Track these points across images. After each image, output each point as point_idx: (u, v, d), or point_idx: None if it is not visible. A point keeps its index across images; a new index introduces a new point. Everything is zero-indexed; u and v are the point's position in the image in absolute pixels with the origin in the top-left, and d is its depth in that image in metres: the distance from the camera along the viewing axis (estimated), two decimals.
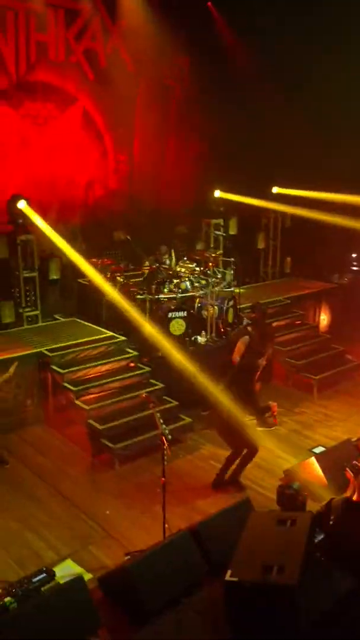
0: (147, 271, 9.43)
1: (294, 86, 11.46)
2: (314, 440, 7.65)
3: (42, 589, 4.85)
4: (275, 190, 12.35)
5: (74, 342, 8.60)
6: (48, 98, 10.81)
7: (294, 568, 4.29)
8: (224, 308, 9.42)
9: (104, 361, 8.42)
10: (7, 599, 4.67)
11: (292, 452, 7.28)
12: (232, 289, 9.82)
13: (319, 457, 6.70)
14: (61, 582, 4.92)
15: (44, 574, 4.98)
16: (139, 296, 9.08)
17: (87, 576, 5.10)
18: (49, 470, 7.08)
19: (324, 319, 11.71)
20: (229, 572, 4.34)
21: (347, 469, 5.32)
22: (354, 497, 5.10)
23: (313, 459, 6.66)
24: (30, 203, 9.34)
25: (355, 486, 5.14)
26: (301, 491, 6.06)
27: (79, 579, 4.72)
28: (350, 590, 4.52)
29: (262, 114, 11.43)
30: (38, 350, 8.22)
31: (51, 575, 5.02)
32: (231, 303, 9.57)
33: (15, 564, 5.42)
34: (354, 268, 13.38)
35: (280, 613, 4.20)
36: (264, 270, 13.23)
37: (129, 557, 5.43)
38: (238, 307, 9.79)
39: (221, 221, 11.97)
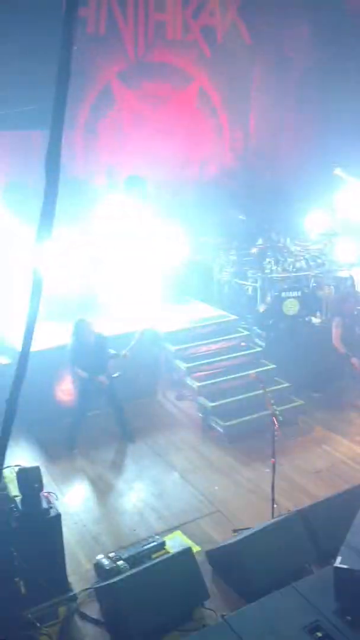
0: (261, 249, 9.30)
1: None
2: None
3: (153, 556, 5.03)
4: None
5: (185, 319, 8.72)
6: (165, 78, 10.89)
7: None
8: (341, 288, 9.07)
9: (215, 339, 8.47)
10: (120, 562, 4.91)
11: None
12: (349, 268, 9.42)
13: None
14: (171, 552, 5.08)
15: (155, 543, 5.18)
16: (251, 275, 8.99)
17: (196, 549, 5.21)
18: (160, 443, 7.28)
19: None
20: (339, 559, 4.23)
21: None
22: None
23: None
24: (147, 181, 9.52)
25: None
26: None
27: (187, 551, 4.83)
28: None
29: None
30: (152, 326, 8.43)
31: (161, 544, 5.20)
32: (349, 283, 9.19)
33: (128, 531, 5.67)
34: None
35: None
36: None
37: (236, 534, 5.48)
38: (356, 287, 9.38)
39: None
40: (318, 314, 8.86)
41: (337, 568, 4.21)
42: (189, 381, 7.85)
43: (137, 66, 10.56)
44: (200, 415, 7.59)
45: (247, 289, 9.20)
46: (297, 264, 8.99)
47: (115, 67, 10.46)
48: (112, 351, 7.13)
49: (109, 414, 7.38)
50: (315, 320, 8.80)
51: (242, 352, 8.39)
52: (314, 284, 9.02)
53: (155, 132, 10.84)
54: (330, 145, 11.29)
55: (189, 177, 11.34)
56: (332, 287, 8.86)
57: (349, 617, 4.10)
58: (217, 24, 11.16)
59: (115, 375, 7.06)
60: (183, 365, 8.00)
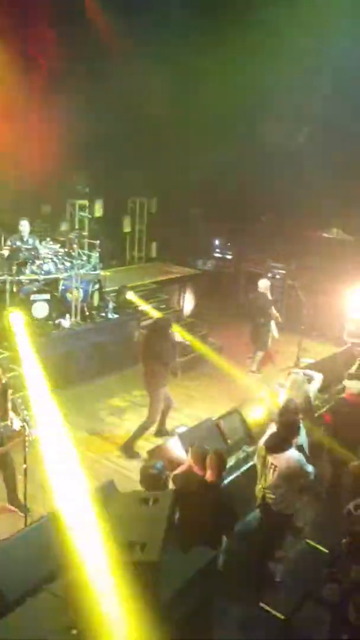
0: (9, 251, 9.01)
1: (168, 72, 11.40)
2: (178, 420, 7.84)
3: None
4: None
5: None
6: None
7: (155, 545, 4.38)
8: (89, 291, 9.31)
9: None
10: None
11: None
12: (97, 271, 9.72)
13: (181, 437, 6.86)
14: None
15: None
16: None
17: None
18: None
19: (188, 303, 12.03)
20: None
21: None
22: (208, 477, 5.34)
23: (176, 439, 6.81)
24: None
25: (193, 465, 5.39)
26: (164, 470, 6.17)
27: None
28: (206, 564, 4.75)
29: (130, 96, 11.37)
30: None
31: None
32: (96, 286, 9.48)
33: None
34: (217, 254, 13.89)
35: (143, 589, 4.27)
36: (131, 254, 13.27)
37: None
38: (103, 290, 9.72)
39: (86, 202, 11.79)
40: (67, 316, 8.94)
41: None
42: None
43: None
44: None
45: None
46: (46, 267, 8.95)
47: None
48: None
49: None
50: (66, 323, 8.87)
51: None
52: (63, 287, 9.08)
53: None
54: (75, 149, 11.50)
55: None
56: (80, 289, 9.03)
57: None
58: None
59: None
60: None
